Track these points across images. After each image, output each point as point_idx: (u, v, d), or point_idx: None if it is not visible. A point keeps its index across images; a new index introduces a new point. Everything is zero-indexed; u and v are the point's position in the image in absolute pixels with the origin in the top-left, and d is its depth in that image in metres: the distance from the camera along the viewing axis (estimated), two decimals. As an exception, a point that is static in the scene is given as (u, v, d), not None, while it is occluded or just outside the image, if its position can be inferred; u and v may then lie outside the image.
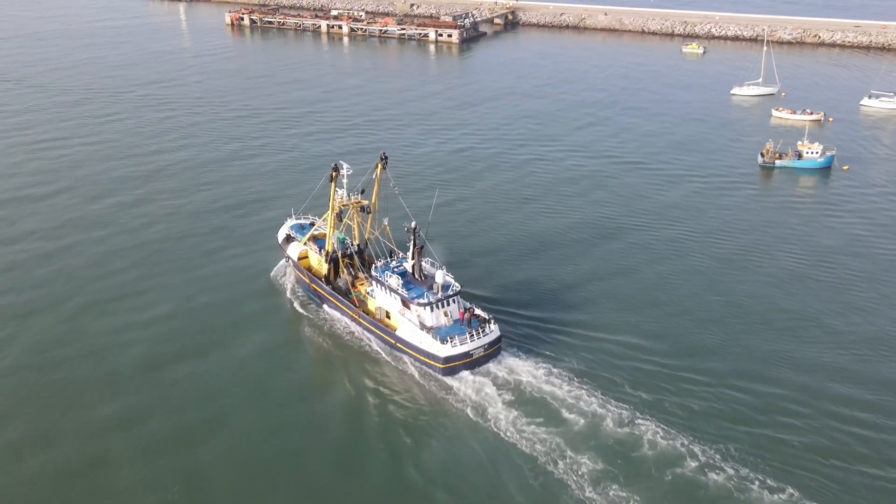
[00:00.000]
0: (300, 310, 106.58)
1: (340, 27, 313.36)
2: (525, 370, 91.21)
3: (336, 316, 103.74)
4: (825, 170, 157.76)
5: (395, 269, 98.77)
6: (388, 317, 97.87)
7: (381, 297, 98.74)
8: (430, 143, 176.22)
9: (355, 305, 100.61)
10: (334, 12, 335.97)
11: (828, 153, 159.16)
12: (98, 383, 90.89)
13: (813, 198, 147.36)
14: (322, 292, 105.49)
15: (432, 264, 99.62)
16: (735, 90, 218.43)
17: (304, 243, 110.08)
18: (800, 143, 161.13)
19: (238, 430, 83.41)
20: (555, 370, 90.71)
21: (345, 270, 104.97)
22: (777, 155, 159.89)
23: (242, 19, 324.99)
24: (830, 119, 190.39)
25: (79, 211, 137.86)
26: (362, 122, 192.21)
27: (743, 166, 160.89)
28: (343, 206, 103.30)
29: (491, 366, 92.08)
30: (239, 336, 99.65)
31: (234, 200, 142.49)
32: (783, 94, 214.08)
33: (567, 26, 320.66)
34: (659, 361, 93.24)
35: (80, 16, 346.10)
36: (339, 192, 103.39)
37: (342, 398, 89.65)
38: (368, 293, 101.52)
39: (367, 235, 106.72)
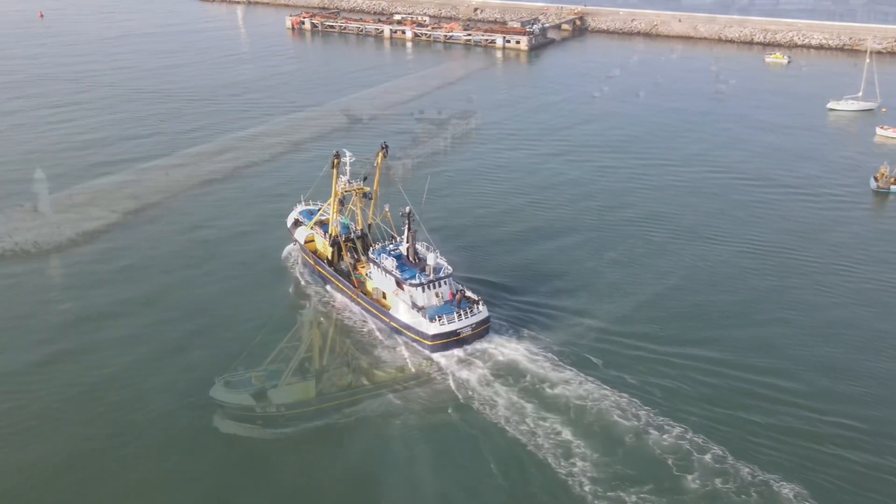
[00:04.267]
0: (305, 289, 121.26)
1: (404, 32, 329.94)
2: (511, 350, 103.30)
3: (337, 296, 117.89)
4: None
5: (391, 252, 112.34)
6: (384, 297, 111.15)
7: (378, 278, 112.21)
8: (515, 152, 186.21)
9: (355, 286, 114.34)
10: (397, 17, 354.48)
11: None
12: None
13: None
14: (325, 273, 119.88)
15: (427, 248, 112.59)
16: (832, 104, 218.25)
17: (311, 227, 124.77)
18: None
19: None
20: (543, 351, 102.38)
21: (347, 254, 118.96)
22: (893, 180, 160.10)
23: (303, 23, 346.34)
24: None
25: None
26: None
27: (854, 190, 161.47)
28: (345, 192, 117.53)
29: (479, 345, 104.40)
30: (246, 311, 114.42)
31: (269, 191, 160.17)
32: (884, 109, 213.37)
33: (638, 33, 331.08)
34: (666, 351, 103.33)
35: (137, 20, 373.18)
36: (342, 178, 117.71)
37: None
38: (367, 275, 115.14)
39: (369, 221, 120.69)
